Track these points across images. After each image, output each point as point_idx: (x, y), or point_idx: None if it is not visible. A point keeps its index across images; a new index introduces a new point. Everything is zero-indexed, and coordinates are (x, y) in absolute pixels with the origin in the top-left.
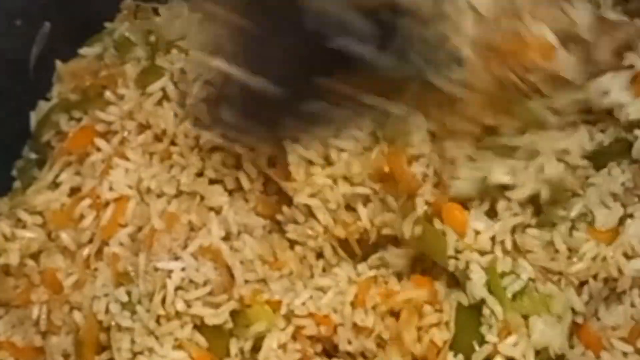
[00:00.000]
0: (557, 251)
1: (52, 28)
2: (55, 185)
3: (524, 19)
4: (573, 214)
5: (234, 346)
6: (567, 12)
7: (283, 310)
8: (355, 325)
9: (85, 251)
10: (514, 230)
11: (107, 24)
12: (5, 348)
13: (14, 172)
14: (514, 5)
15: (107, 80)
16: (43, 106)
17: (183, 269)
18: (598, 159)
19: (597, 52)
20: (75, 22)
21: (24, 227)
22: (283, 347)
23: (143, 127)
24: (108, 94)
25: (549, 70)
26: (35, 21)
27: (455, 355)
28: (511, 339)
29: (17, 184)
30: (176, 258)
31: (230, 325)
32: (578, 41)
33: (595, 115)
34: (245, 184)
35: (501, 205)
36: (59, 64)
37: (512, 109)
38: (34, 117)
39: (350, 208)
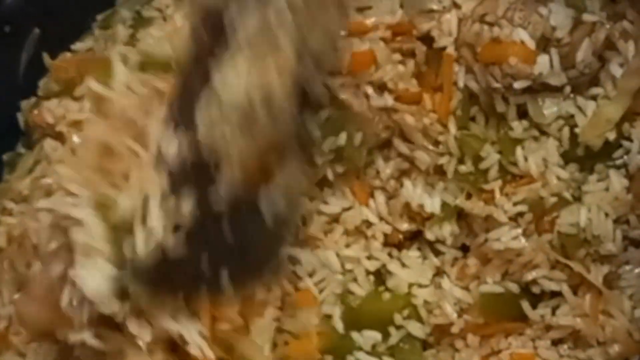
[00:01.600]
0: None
1: (41, 34)
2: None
3: (502, 25)
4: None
5: None
6: (545, 17)
7: None
8: None
9: None
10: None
11: (99, 16)
12: None
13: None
14: (493, 11)
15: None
16: (26, 105)
17: None
18: (585, 162)
19: (578, 55)
20: (64, 28)
21: (10, 214)
22: None
23: None
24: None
25: (531, 75)
26: (24, 28)
27: None
28: None
29: (6, 177)
30: None
31: None
32: (558, 45)
33: None
34: None
35: None
36: (47, 59)
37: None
38: (21, 118)
39: None
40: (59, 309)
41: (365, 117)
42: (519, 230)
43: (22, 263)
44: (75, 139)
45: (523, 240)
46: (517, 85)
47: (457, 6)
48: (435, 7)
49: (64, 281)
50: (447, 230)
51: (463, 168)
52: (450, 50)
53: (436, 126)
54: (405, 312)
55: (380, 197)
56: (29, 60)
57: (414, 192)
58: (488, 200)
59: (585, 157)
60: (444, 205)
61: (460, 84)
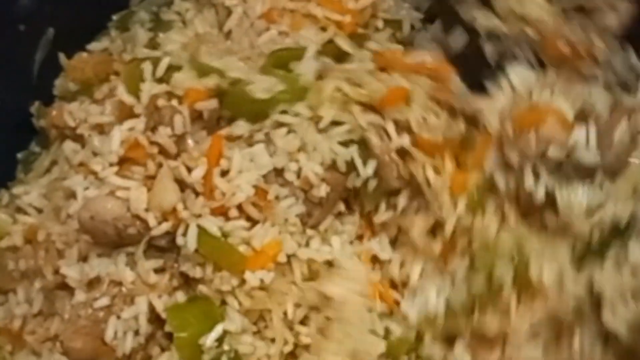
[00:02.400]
0: None
1: (55, 34)
2: (53, 164)
3: (544, 94)
4: None
5: None
6: (585, 93)
7: None
8: None
9: None
10: None
11: (114, 16)
12: (4, 334)
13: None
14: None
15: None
16: (41, 104)
17: None
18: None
19: (615, 134)
20: (79, 28)
21: (26, 214)
22: None
23: None
24: (117, 65)
25: (566, 143)
26: (39, 27)
27: None
28: None
29: (20, 176)
30: None
31: None
32: (596, 121)
33: None
34: None
35: None
36: (63, 59)
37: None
38: (35, 117)
39: None
40: (103, 340)
41: (384, 161)
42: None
43: (49, 270)
44: (97, 142)
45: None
46: (552, 151)
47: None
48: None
49: (108, 313)
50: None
51: (478, 281)
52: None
53: (444, 196)
54: None
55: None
56: (43, 59)
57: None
58: (503, 314)
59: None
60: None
61: (487, 167)
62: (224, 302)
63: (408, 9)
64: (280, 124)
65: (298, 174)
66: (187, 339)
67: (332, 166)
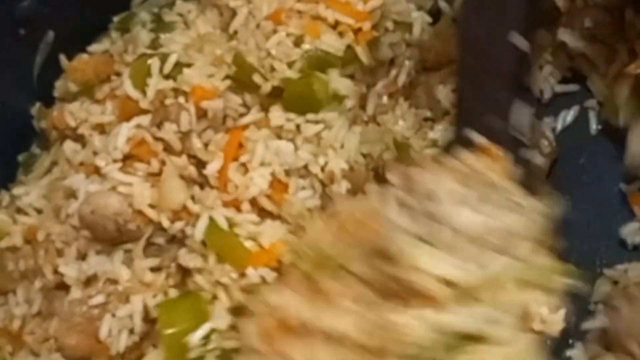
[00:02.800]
0: None
1: (55, 36)
2: (53, 164)
3: None
4: None
5: None
6: None
7: None
8: None
9: None
10: None
11: (115, 17)
12: (4, 335)
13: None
14: None
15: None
16: (41, 107)
17: None
18: None
19: None
20: (79, 29)
21: (26, 214)
22: None
23: None
24: (117, 65)
25: None
26: (39, 30)
27: None
28: None
29: (21, 177)
30: None
31: None
32: None
33: None
34: None
35: None
36: (64, 60)
37: None
38: (36, 120)
39: None
40: (97, 338)
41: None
42: None
43: (49, 269)
44: (97, 142)
45: None
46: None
47: None
48: None
49: (103, 311)
50: None
51: None
52: None
53: None
54: None
55: None
56: (43, 62)
57: None
58: None
59: None
60: None
61: None
62: (214, 297)
63: (419, 11)
64: (317, 121)
65: (323, 167)
66: (174, 336)
67: (355, 166)
